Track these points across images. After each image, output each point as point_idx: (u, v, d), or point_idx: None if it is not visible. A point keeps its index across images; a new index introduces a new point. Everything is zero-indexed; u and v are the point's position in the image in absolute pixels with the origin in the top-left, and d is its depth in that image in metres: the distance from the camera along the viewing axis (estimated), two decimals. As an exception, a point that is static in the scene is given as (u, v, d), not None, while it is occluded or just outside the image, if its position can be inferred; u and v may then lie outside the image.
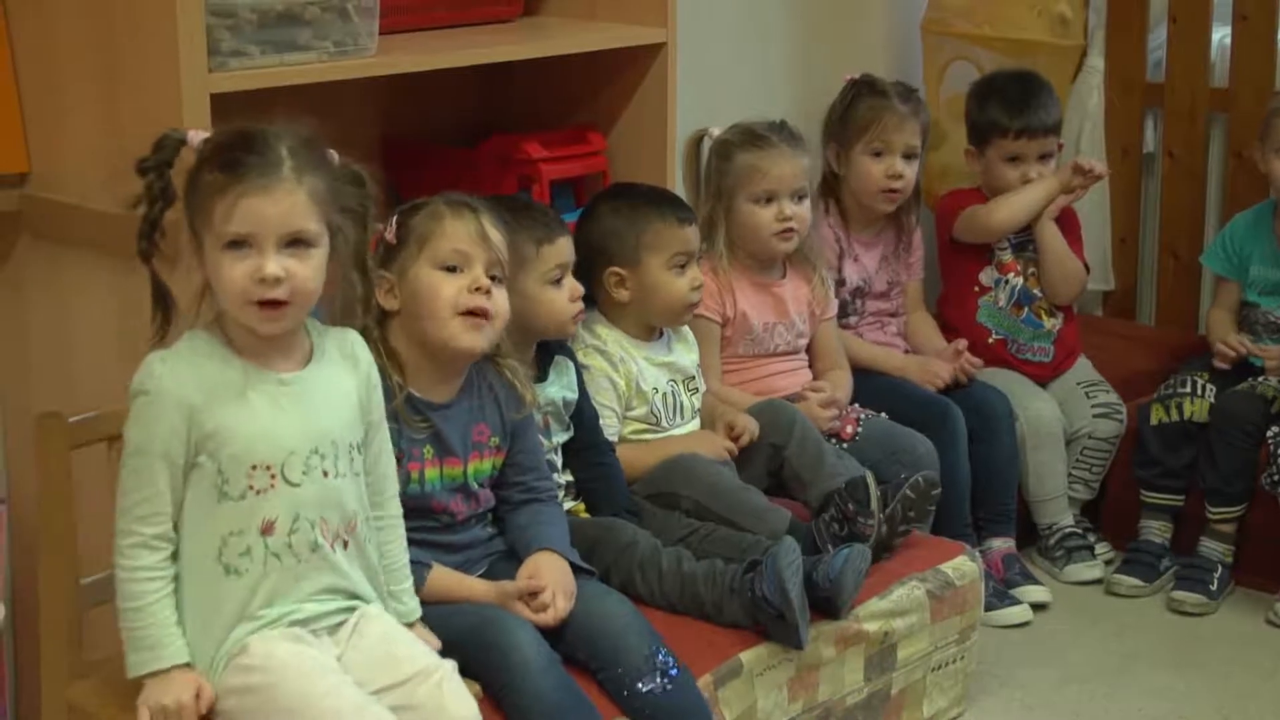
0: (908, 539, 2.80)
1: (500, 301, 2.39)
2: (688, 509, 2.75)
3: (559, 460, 2.70)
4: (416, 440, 2.39)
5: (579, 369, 2.77)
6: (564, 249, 2.66)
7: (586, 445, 2.74)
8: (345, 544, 2.14)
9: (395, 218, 2.39)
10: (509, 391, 2.49)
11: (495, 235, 2.39)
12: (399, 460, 2.33)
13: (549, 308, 2.64)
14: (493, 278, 2.38)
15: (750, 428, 2.94)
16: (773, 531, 2.68)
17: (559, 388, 2.70)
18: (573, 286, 2.67)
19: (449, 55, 2.72)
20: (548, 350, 2.70)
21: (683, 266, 2.90)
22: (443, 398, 2.43)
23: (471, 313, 2.36)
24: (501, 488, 2.51)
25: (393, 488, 2.27)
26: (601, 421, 2.79)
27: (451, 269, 2.37)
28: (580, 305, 2.69)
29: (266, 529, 2.08)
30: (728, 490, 2.78)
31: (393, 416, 2.31)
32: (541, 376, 2.67)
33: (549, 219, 2.67)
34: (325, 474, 2.11)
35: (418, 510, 2.38)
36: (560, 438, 2.70)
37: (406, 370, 2.39)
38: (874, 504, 2.69)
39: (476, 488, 2.46)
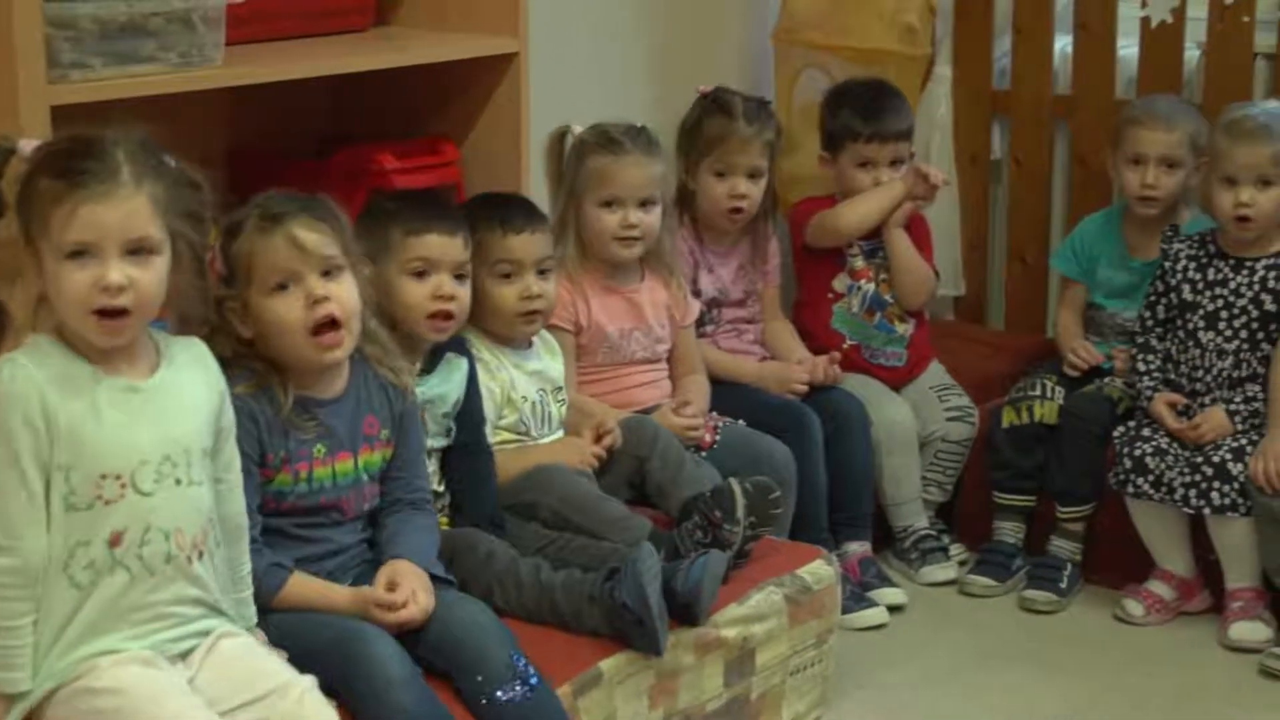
0: (762, 544, 2.82)
1: (346, 297, 2.36)
2: (546, 518, 2.74)
3: (433, 466, 2.68)
4: (305, 440, 2.37)
5: (474, 369, 2.75)
6: (433, 245, 2.65)
7: (469, 447, 2.72)
8: (200, 554, 2.11)
9: (218, 246, 2.35)
10: (389, 382, 2.47)
11: (311, 237, 2.34)
12: (285, 462, 2.32)
13: (401, 299, 2.63)
14: (327, 273, 2.35)
15: (616, 431, 2.94)
16: (633, 540, 2.68)
17: (442, 383, 2.68)
18: (437, 286, 2.65)
19: (297, 66, 2.69)
20: (441, 347, 2.69)
21: (508, 275, 2.88)
22: (331, 393, 2.41)
23: (320, 328, 2.34)
24: (382, 483, 2.49)
25: (240, 500, 2.23)
26: (476, 428, 2.78)
27: (283, 287, 2.34)
28: (441, 307, 2.67)
29: (114, 540, 2.04)
30: (587, 500, 2.78)
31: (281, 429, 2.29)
32: (425, 371, 2.65)
33: (432, 213, 2.67)
34: (178, 482, 2.08)
35: (306, 509, 2.37)
36: (438, 442, 2.68)
37: (290, 371, 2.36)
38: (739, 512, 2.71)
39: (367, 480, 2.45)
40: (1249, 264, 3.33)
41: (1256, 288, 3.31)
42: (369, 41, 2.98)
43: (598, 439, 2.93)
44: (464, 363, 2.73)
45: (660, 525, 2.80)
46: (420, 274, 2.67)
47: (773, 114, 3.54)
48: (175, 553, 2.07)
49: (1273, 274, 3.31)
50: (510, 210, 2.90)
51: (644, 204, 3.19)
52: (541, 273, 2.90)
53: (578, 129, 3.22)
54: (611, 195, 3.17)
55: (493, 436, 2.85)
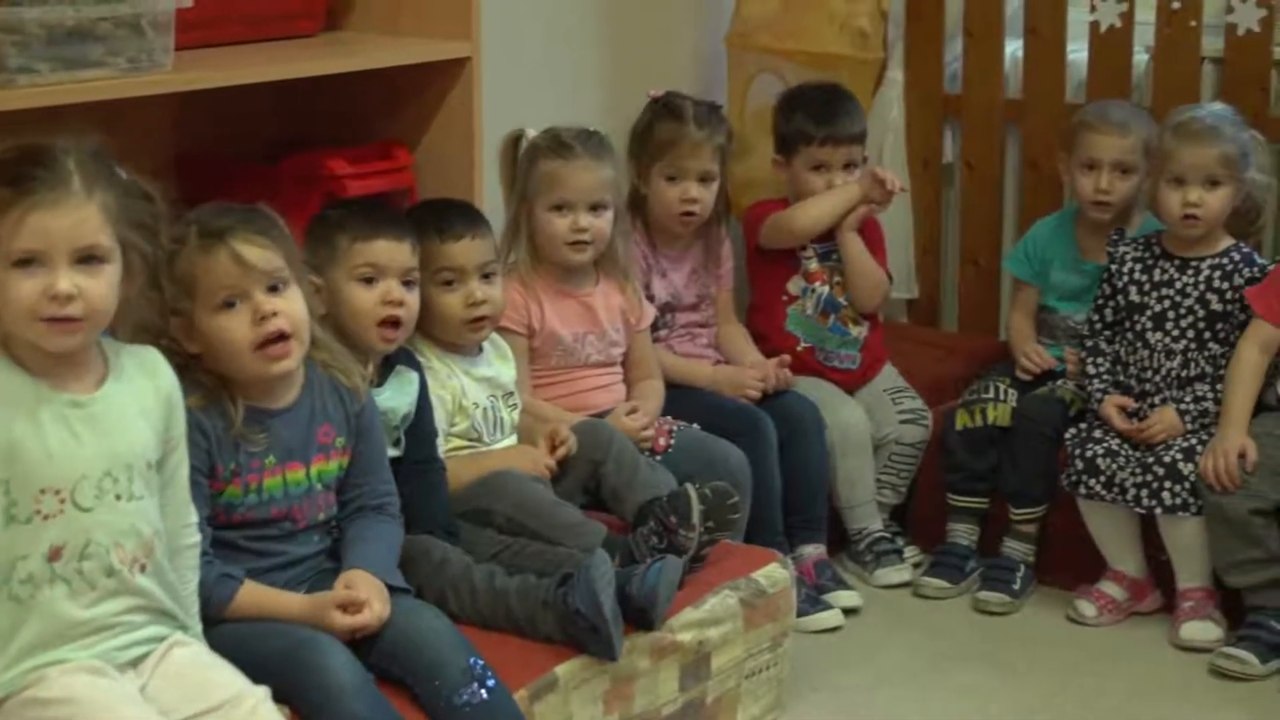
0: (717, 548, 2.82)
1: (294, 310, 2.34)
2: (501, 525, 2.73)
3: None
4: (255, 452, 2.35)
5: (424, 381, 2.74)
6: (381, 250, 2.65)
7: (419, 460, 2.71)
8: (144, 567, 2.09)
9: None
10: (341, 384, 2.45)
11: (254, 253, 2.32)
12: (235, 475, 2.30)
13: (350, 306, 2.63)
14: (273, 288, 2.34)
15: (571, 440, 2.94)
16: (588, 546, 2.68)
17: (394, 397, 2.67)
18: (386, 292, 2.65)
19: (246, 72, 2.68)
20: (391, 359, 2.68)
21: (450, 283, 2.87)
22: (283, 402, 2.40)
23: (267, 342, 2.32)
24: (343, 490, 2.48)
25: (189, 514, 2.22)
26: (426, 440, 2.77)
27: (230, 304, 2.32)
28: (390, 313, 2.66)
29: (54, 555, 2.02)
30: (542, 506, 2.77)
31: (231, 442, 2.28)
32: (377, 384, 2.64)
33: (380, 220, 2.67)
34: (119, 498, 2.07)
35: (256, 521, 2.36)
36: (390, 453, 2.66)
37: (240, 384, 2.35)
38: (695, 517, 2.71)
39: (321, 490, 2.43)
40: (1194, 264, 3.36)
41: (1202, 287, 3.34)
42: (320, 46, 2.97)
43: (552, 448, 2.93)
44: (415, 376, 2.72)
45: (616, 530, 2.80)
46: (369, 280, 2.66)
47: (724, 118, 3.55)
48: (117, 567, 2.06)
49: (1217, 273, 3.34)
50: (448, 217, 2.88)
51: (595, 208, 3.19)
52: (485, 277, 2.89)
53: (532, 133, 3.22)
54: (562, 199, 3.17)
55: (445, 443, 2.85)
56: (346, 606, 2.31)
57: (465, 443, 2.89)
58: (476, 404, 2.90)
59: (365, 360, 2.62)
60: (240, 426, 2.33)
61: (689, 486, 2.74)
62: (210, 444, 2.31)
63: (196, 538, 2.23)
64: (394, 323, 2.68)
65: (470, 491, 2.78)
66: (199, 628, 2.22)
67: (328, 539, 2.48)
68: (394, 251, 2.68)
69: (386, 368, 2.68)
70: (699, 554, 2.75)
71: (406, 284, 2.70)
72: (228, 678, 2.12)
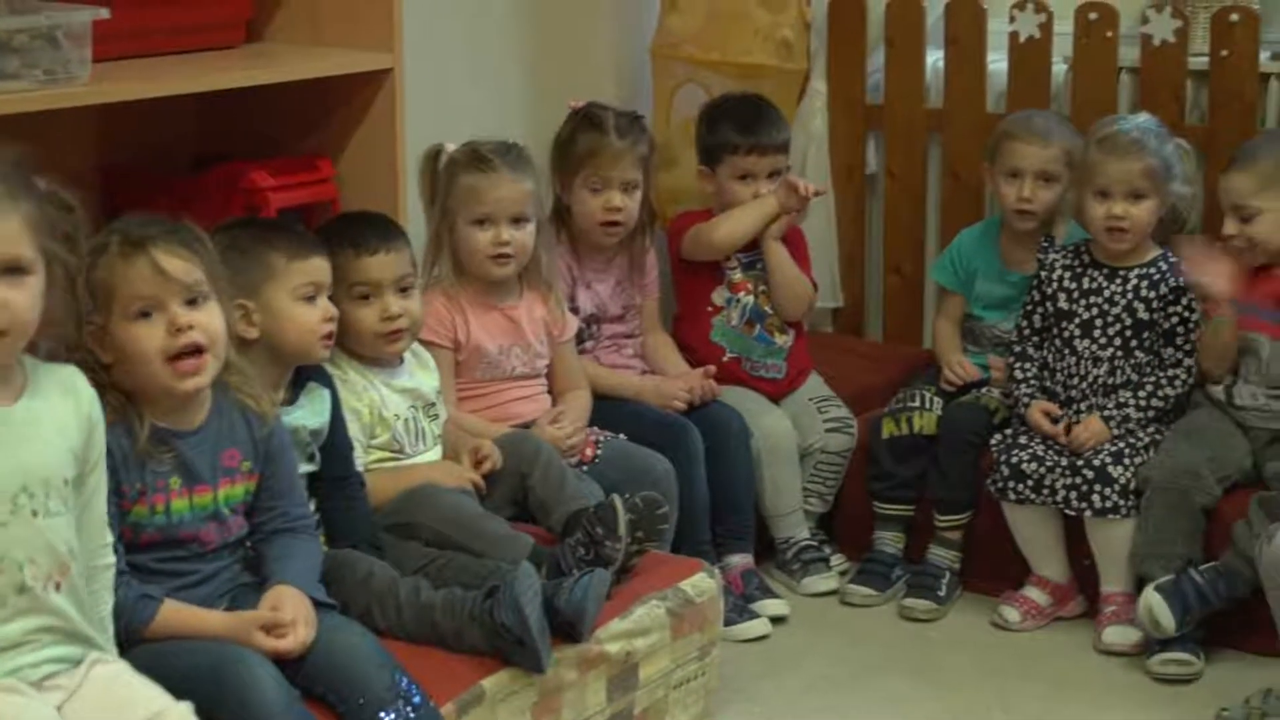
0: (645, 558, 2.82)
1: (211, 324, 2.32)
2: (428, 539, 2.72)
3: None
4: (160, 472, 2.33)
5: (336, 398, 2.73)
6: (318, 268, 2.65)
7: (335, 476, 2.70)
8: (58, 585, 2.07)
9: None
10: (250, 409, 2.44)
11: (175, 264, 2.30)
12: (141, 495, 2.27)
13: (297, 324, 2.62)
14: (191, 301, 2.32)
15: (495, 455, 2.93)
16: (515, 558, 2.67)
17: (307, 414, 2.66)
18: (326, 308, 2.65)
19: (164, 84, 2.66)
20: (302, 376, 2.66)
21: (366, 297, 2.85)
22: (190, 424, 2.37)
23: (180, 355, 2.30)
24: (255, 514, 2.46)
25: (106, 535, 2.19)
26: (345, 453, 2.76)
27: (145, 315, 2.30)
28: (332, 328, 2.66)
29: None
30: (468, 518, 2.77)
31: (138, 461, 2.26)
32: (290, 402, 2.62)
33: (304, 238, 2.67)
34: (35, 514, 2.04)
35: (165, 542, 2.33)
36: (305, 468, 2.65)
37: (146, 401, 2.32)
38: (622, 529, 2.71)
39: (228, 514, 2.41)
40: (1122, 273, 3.40)
41: (1130, 296, 3.38)
42: (241, 58, 2.95)
43: (476, 464, 2.92)
44: (327, 393, 2.71)
45: (544, 542, 2.80)
46: (310, 298, 2.65)
47: (646, 128, 3.55)
48: (29, 584, 2.03)
49: (1145, 282, 3.38)
50: (363, 231, 2.87)
51: (516, 221, 3.18)
52: (402, 290, 2.88)
53: (451, 147, 3.21)
54: (483, 213, 3.17)
55: (366, 456, 2.83)
56: (270, 628, 2.30)
57: (387, 454, 2.87)
58: (398, 415, 2.89)
59: (279, 380, 2.60)
60: (145, 445, 2.30)
61: (616, 498, 2.74)
62: (116, 462, 2.28)
63: (112, 558, 2.21)
64: (331, 339, 2.68)
65: (394, 506, 2.77)
66: (114, 651, 2.19)
67: (240, 556, 2.46)
68: (327, 269, 2.68)
69: (298, 385, 2.67)
70: (627, 565, 2.76)
71: (331, 299, 2.71)
72: (150, 694, 2.10)
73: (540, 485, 2.93)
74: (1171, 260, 3.39)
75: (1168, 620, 3.11)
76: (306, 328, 2.63)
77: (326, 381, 2.72)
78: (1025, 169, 3.54)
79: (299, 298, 2.63)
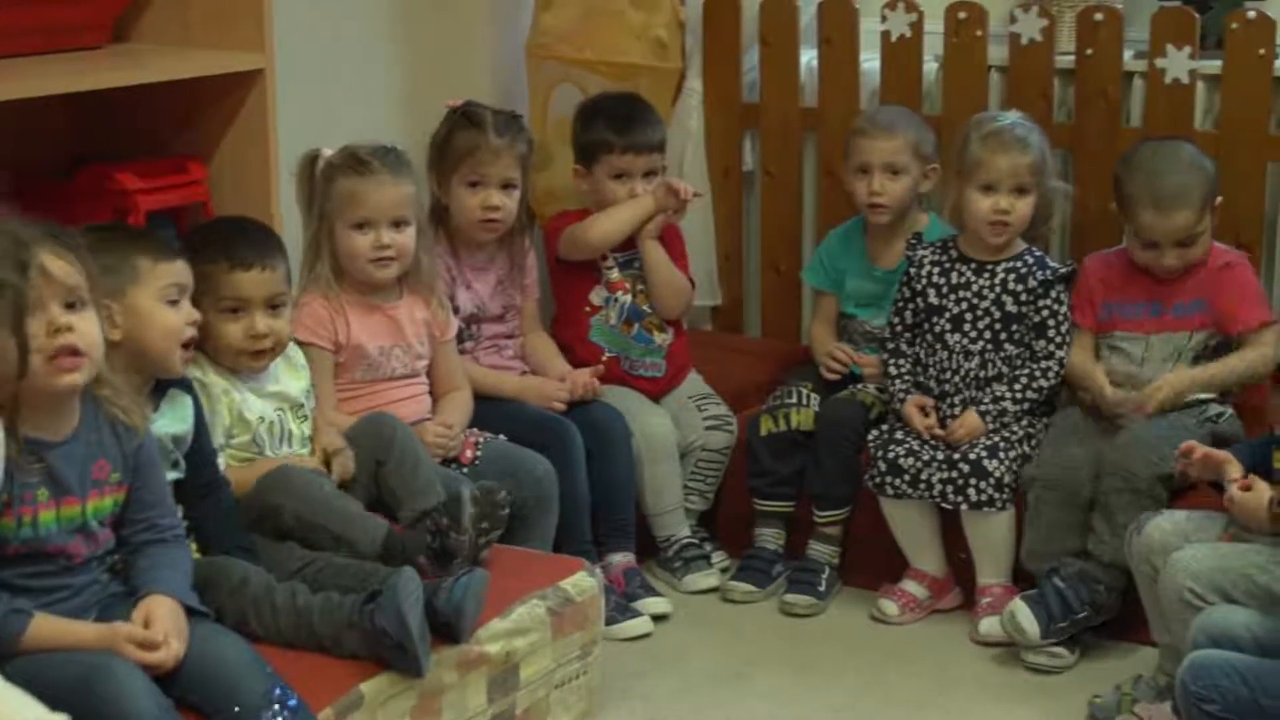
0: (524, 557, 2.82)
1: (89, 331, 2.30)
2: (289, 523, 2.70)
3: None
4: (29, 484, 2.28)
5: (199, 404, 2.69)
6: (182, 271, 2.62)
7: (202, 483, 2.67)
8: None
9: None
10: (120, 421, 2.40)
11: (57, 265, 2.27)
12: (8, 506, 2.23)
13: (160, 327, 2.59)
14: (70, 306, 2.29)
15: (345, 457, 2.90)
16: (373, 537, 2.68)
17: (170, 421, 2.62)
18: (189, 312, 2.62)
19: (31, 84, 2.62)
20: (163, 383, 2.63)
21: (235, 311, 2.82)
22: (58, 434, 2.33)
23: (58, 354, 2.27)
24: (124, 526, 2.42)
25: None
26: (206, 458, 2.72)
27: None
28: (194, 333, 2.64)
29: None
30: (325, 499, 2.76)
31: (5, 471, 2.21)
32: (152, 409, 2.59)
33: (165, 242, 2.65)
34: None
35: (31, 555, 2.28)
36: (170, 476, 2.61)
37: (16, 409, 2.27)
38: (466, 520, 2.71)
39: (97, 527, 2.37)
40: (990, 267, 3.45)
41: (998, 289, 3.43)
42: (109, 58, 2.91)
43: (325, 463, 2.90)
44: (189, 399, 2.68)
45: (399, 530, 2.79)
46: (174, 301, 2.62)
47: (524, 127, 3.55)
48: None
49: (1012, 276, 3.43)
50: (239, 243, 2.84)
51: (397, 224, 3.17)
52: (273, 308, 2.85)
53: (328, 152, 3.19)
54: (363, 217, 3.15)
55: (224, 455, 2.80)
56: (142, 642, 2.27)
57: (248, 455, 2.84)
58: (262, 418, 2.86)
59: (141, 388, 2.57)
60: (14, 454, 2.26)
61: (464, 490, 2.73)
62: None
63: None
64: (195, 343, 2.66)
65: (257, 489, 2.75)
66: None
67: (108, 568, 2.42)
68: (190, 274, 2.66)
69: (159, 392, 2.63)
70: (476, 557, 2.75)
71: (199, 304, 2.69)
72: (19, 707, 2.06)
73: (393, 473, 2.91)
74: (1037, 254, 3.44)
75: (1032, 628, 3.16)
76: (170, 330, 2.60)
77: (187, 387, 2.69)
78: (873, 163, 3.58)
79: (163, 300, 2.60)
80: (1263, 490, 2.75)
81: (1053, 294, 3.41)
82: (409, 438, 2.97)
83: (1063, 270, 3.43)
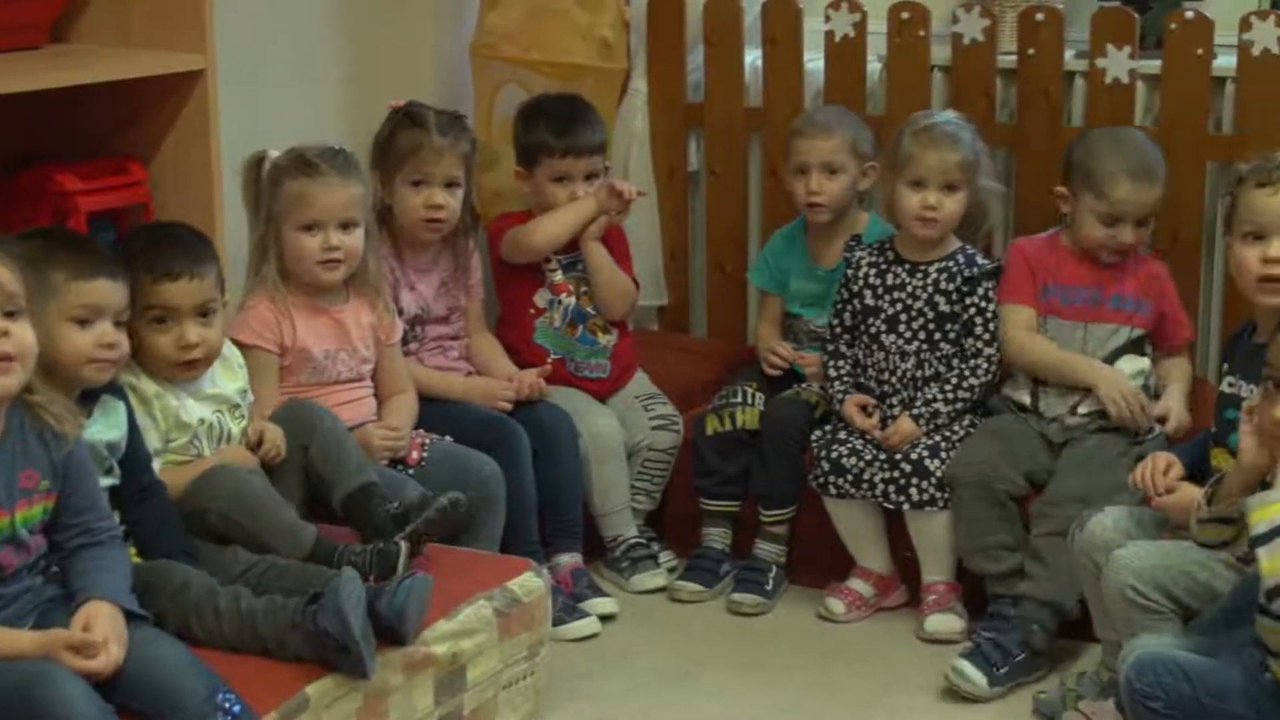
0: (470, 558, 2.81)
1: (24, 338, 2.27)
2: (215, 524, 2.68)
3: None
4: None
5: (130, 410, 2.67)
6: (99, 291, 2.54)
7: (139, 488, 2.64)
8: None
9: None
10: (50, 429, 2.37)
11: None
12: None
13: (64, 346, 2.51)
14: (9, 314, 2.26)
15: (276, 440, 2.87)
16: (300, 553, 2.67)
17: (103, 427, 2.60)
18: (102, 334, 2.54)
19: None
20: (95, 390, 2.60)
21: (162, 321, 2.77)
22: None
23: None
24: (57, 531, 2.40)
25: None
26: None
27: None
28: (110, 354, 2.55)
29: None
30: (256, 504, 2.72)
31: None
32: (84, 416, 2.56)
33: (95, 257, 2.56)
34: None
35: None
36: (105, 481, 2.59)
37: None
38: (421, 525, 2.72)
39: (27, 536, 2.35)
40: (923, 268, 3.46)
41: (931, 290, 3.44)
42: (48, 58, 2.88)
43: (253, 446, 2.87)
44: (121, 405, 2.64)
45: (338, 538, 2.77)
46: (84, 321, 2.54)
47: (468, 126, 3.54)
48: None
49: (944, 275, 3.44)
50: (165, 252, 2.77)
51: (345, 226, 3.16)
52: (203, 315, 2.79)
53: (274, 154, 3.17)
54: (311, 219, 3.13)
55: (161, 460, 2.77)
56: (81, 648, 2.25)
57: (186, 458, 2.81)
58: (203, 419, 2.84)
59: (67, 395, 2.52)
60: None
61: (441, 499, 2.74)
62: None
63: None
64: (110, 364, 2.58)
65: (189, 490, 2.72)
66: None
67: (42, 571, 2.40)
68: (113, 292, 2.57)
69: (91, 398, 2.59)
70: (415, 551, 2.74)
71: (119, 323, 2.59)
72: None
73: (319, 459, 2.89)
74: (969, 253, 3.46)
75: (979, 680, 3.13)
76: (73, 351, 2.52)
77: (120, 394, 2.65)
78: (810, 163, 3.59)
79: (69, 319, 2.51)
80: (1188, 492, 2.75)
81: (979, 291, 3.42)
82: (334, 423, 2.94)
83: (990, 266, 3.44)
